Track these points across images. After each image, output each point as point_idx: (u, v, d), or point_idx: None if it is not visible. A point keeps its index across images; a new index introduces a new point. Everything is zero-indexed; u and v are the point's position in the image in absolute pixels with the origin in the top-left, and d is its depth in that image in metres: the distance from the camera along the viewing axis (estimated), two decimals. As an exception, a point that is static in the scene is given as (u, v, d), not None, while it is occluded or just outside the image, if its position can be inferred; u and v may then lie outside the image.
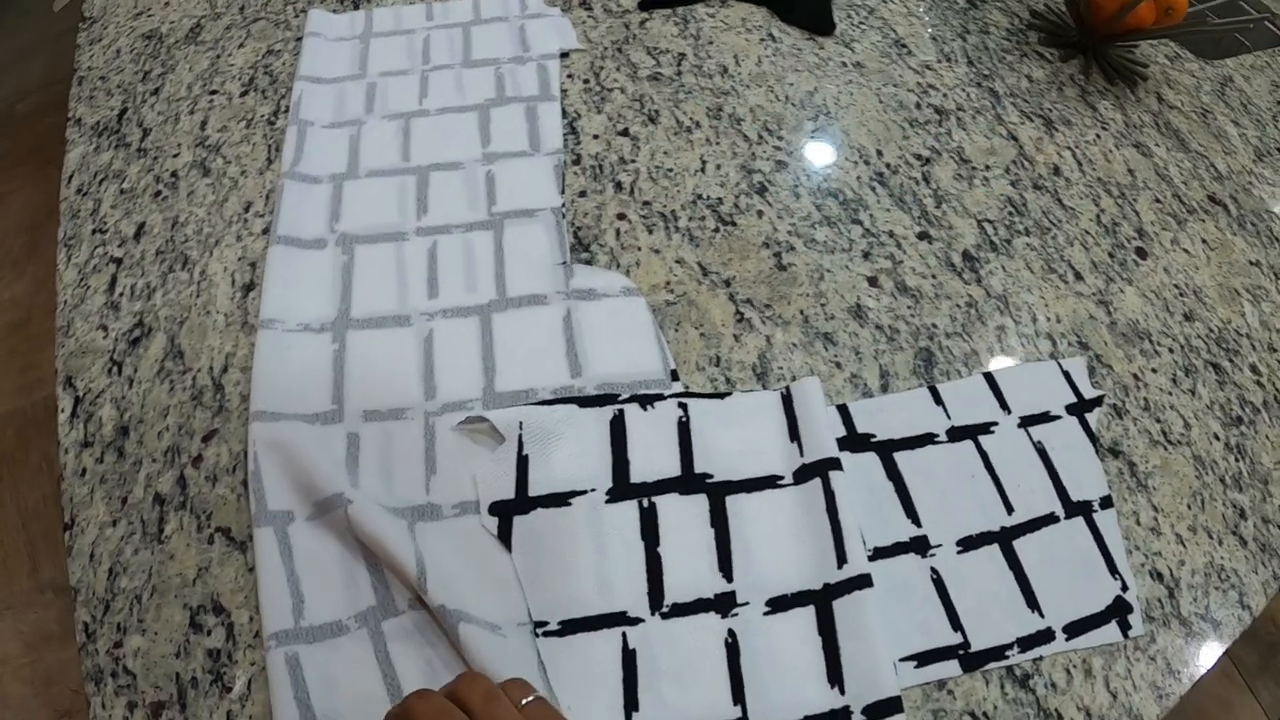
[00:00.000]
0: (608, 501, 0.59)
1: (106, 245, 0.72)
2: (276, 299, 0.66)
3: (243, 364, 0.65)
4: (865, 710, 0.52)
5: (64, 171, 0.78)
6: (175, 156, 0.78)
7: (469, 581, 0.55)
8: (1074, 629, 0.56)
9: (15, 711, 1.27)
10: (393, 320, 0.66)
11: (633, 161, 0.78)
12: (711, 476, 0.60)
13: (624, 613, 0.55)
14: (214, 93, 0.83)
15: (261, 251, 0.70)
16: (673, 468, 0.60)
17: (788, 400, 0.64)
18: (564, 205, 0.74)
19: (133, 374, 0.65)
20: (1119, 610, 0.57)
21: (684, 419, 0.62)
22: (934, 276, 0.72)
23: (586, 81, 0.84)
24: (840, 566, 0.56)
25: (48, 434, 1.52)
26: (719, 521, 0.58)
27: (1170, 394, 0.68)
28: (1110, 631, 0.57)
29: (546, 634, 0.54)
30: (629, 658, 0.53)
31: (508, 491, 0.59)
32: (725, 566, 0.57)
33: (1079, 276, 0.73)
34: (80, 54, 0.90)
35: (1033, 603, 0.57)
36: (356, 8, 0.92)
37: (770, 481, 0.60)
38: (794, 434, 0.62)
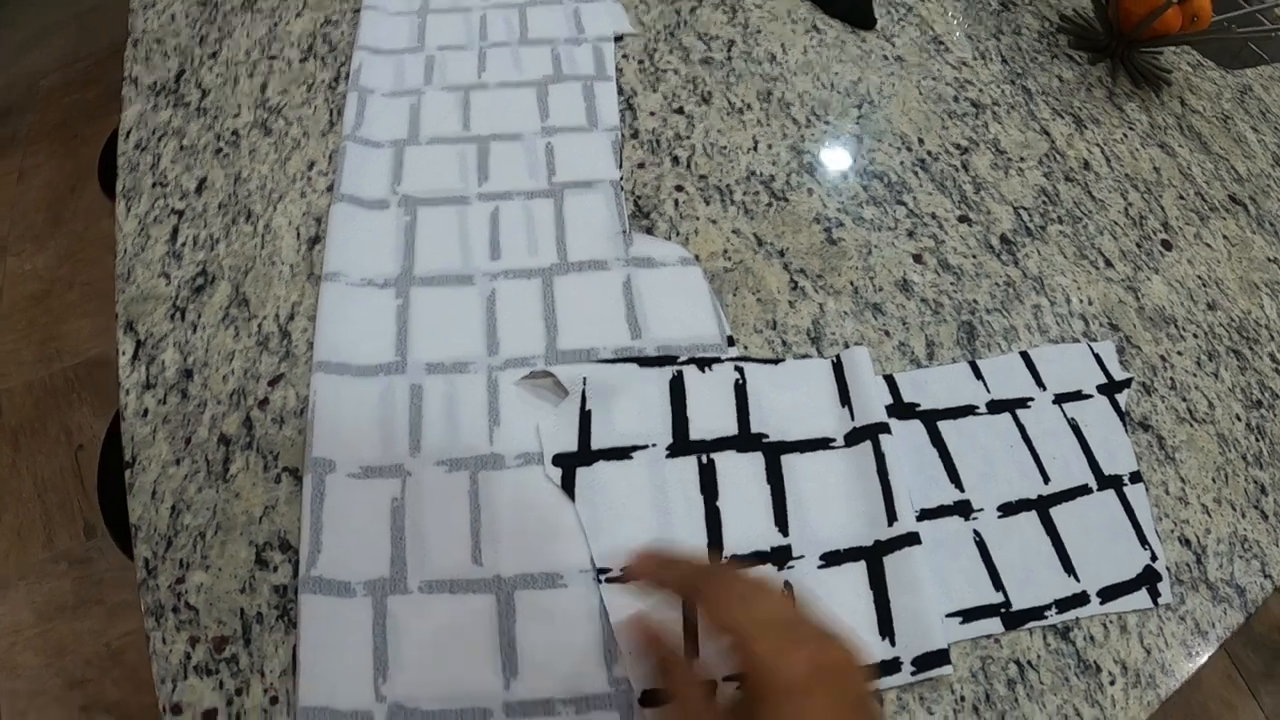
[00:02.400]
0: (668, 456, 0.61)
1: (167, 198, 0.74)
2: (340, 254, 0.68)
3: (308, 312, 0.66)
4: (914, 661, 0.54)
5: (122, 127, 0.79)
6: (235, 116, 0.80)
7: (529, 530, 0.57)
8: (1107, 594, 0.59)
9: (27, 681, 1.27)
10: (455, 279, 0.68)
11: (688, 138, 0.81)
12: (767, 436, 0.62)
13: None
14: (273, 58, 0.85)
15: (326, 208, 0.72)
16: (730, 427, 0.62)
17: (838, 367, 0.66)
18: (622, 179, 0.76)
19: (196, 320, 0.66)
20: (1149, 578, 0.60)
21: (740, 381, 0.64)
22: (974, 256, 0.75)
23: (641, 62, 0.87)
24: (890, 524, 0.58)
25: (67, 405, 1.52)
26: (774, 479, 0.60)
27: (1195, 375, 0.71)
28: (1141, 598, 0.59)
29: (610, 580, 0.56)
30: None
31: (571, 444, 0.61)
32: (781, 521, 0.59)
33: (1109, 263, 0.76)
34: (134, 18, 0.91)
35: (1069, 567, 0.59)
36: (414, -18, 0.94)
37: (823, 443, 0.62)
38: (845, 399, 0.64)
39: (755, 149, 0.80)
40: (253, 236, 0.71)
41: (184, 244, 0.71)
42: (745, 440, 0.62)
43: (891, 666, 0.54)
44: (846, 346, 0.68)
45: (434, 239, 0.70)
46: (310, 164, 0.76)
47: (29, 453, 1.48)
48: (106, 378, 1.55)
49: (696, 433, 0.62)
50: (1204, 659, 0.58)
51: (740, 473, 0.60)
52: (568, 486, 0.59)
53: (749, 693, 0.40)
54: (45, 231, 1.74)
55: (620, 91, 0.84)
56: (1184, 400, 0.69)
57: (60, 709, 1.26)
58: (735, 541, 0.58)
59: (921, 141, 0.83)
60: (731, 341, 0.66)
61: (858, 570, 0.57)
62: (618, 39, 0.88)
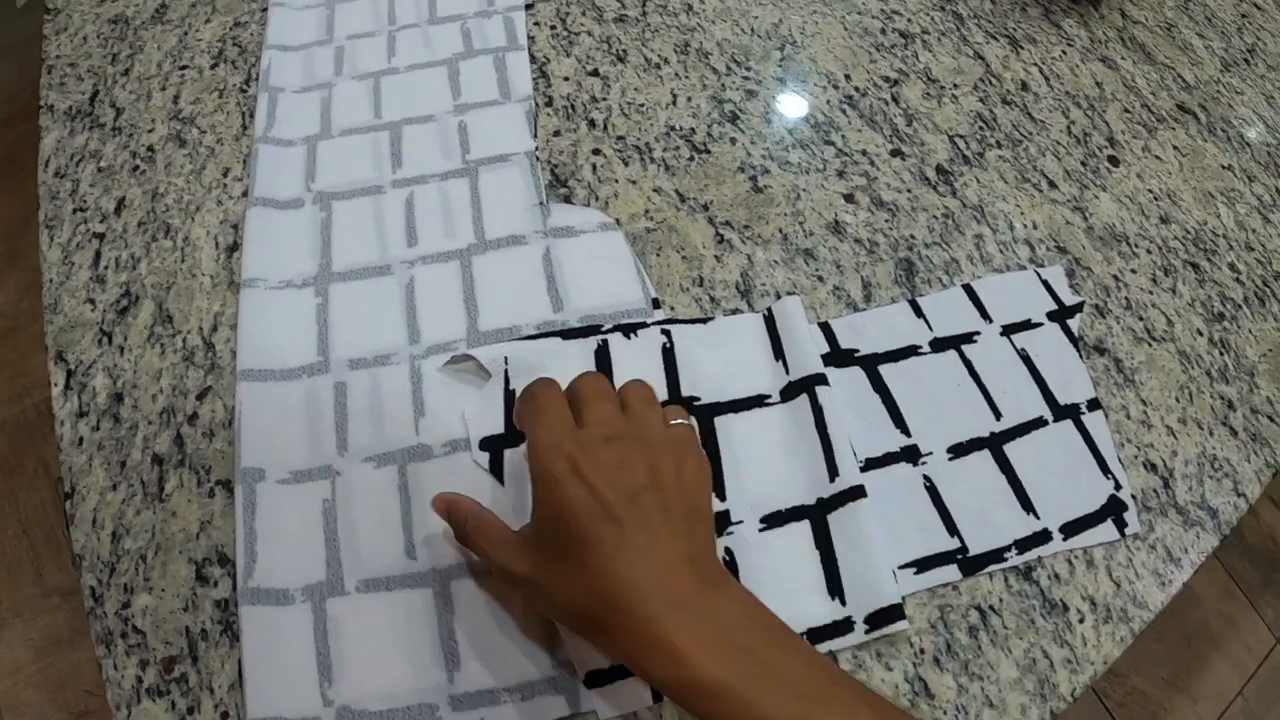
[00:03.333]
0: None
1: (88, 222, 0.73)
2: (257, 258, 0.67)
3: (231, 321, 0.65)
4: (867, 619, 0.52)
5: (40, 156, 0.78)
6: (150, 131, 0.78)
7: None
8: (1070, 529, 0.57)
9: (31, 718, 1.28)
10: (374, 270, 0.66)
11: (604, 99, 0.79)
12: (699, 399, 0.61)
13: None
14: (184, 68, 0.83)
15: (243, 214, 0.71)
16: (660, 393, 0.61)
17: (770, 321, 0.64)
18: (537, 148, 0.75)
19: (123, 342, 0.65)
20: (1114, 509, 0.58)
21: (668, 345, 0.63)
22: (909, 191, 0.73)
23: (553, 28, 0.85)
24: (833, 480, 0.56)
25: (41, 439, 1.53)
26: (708, 443, 0.59)
27: (1151, 293, 0.69)
28: (1107, 530, 0.57)
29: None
30: None
31: (497, 426, 0.59)
32: (718, 486, 0.57)
33: (1053, 185, 0.74)
34: (47, 44, 0.90)
35: (1027, 505, 0.58)
36: (320, -25, 0.92)
37: (758, 401, 0.61)
38: (778, 353, 0.62)
39: (674, 103, 0.78)
40: (172, 251, 0.70)
41: (107, 267, 0.70)
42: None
43: (844, 627, 0.52)
44: (778, 297, 0.66)
45: (350, 232, 0.69)
46: (225, 171, 0.74)
47: (9, 490, 1.48)
48: (79, 409, 1.55)
49: None
50: (1178, 586, 0.56)
51: None
52: (496, 470, 0.58)
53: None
54: (3, 267, 1.73)
55: (533, 60, 0.82)
56: (1141, 319, 0.67)
57: (67, 743, 1.26)
58: None
59: (848, 78, 0.81)
60: (657, 304, 0.65)
61: (801, 530, 0.56)
62: (528, 6, 0.86)
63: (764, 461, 0.58)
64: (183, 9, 0.90)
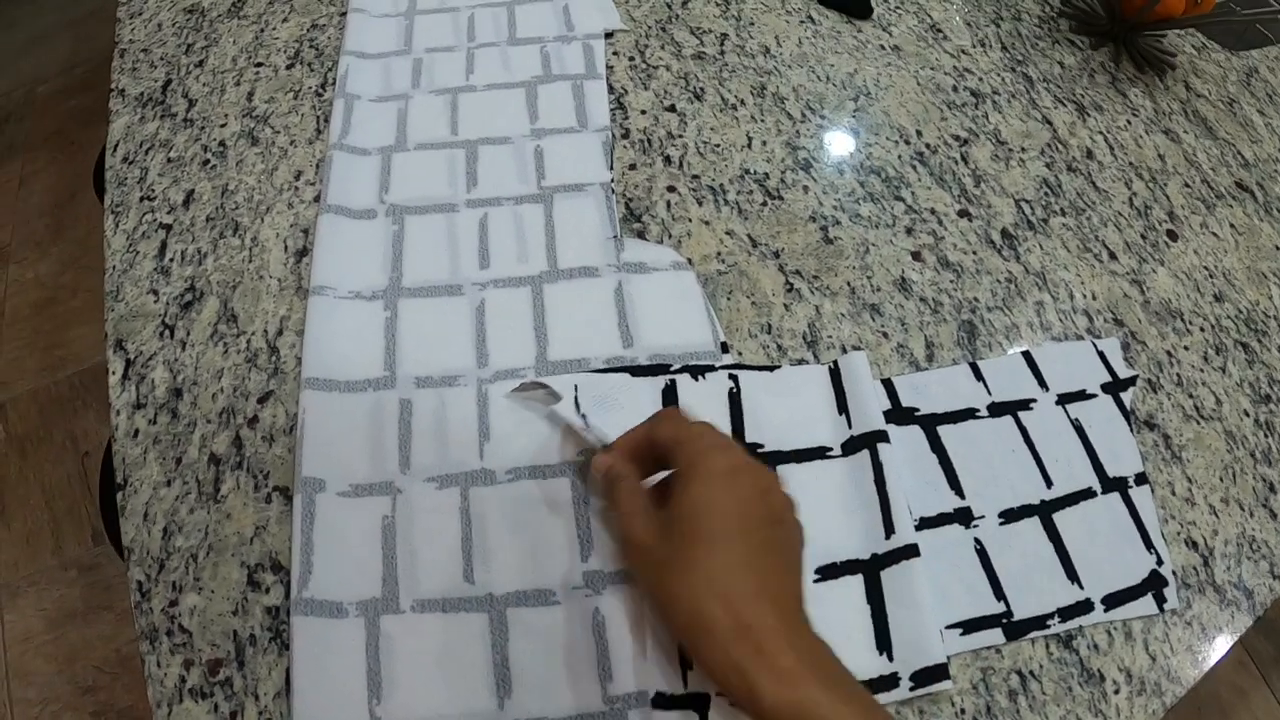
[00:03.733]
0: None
1: (155, 212, 0.73)
2: (328, 266, 0.67)
3: (297, 327, 0.65)
4: (913, 676, 0.53)
5: (109, 140, 0.79)
6: (223, 126, 0.79)
7: (521, 547, 0.56)
8: (1112, 600, 0.58)
9: (39, 688, 1.28)
10: (445, 289, 0.67)
11: (680, 136, 0.79)
12: (762, 446, 0.61)
13: None
14: (259, 65, 0.84)
15: (313, 219, 0.71)
16: None
17: (835, 374, 0.64)
18: (613, 180, 0.75)
19: (185, 337, 0.66)
20: (1155, 584, 0.59)
21: (734, 390, 0.63)
22: (974, 253, 0.73)
23: (632, 59, 0.85)
24: (888, 537, 0.57)
25: (72, 413, 1.53)
26: None
27: (1202, 371, 0.69)
28: (1146, 604, 0.58)
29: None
30: None
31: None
32: None
33: (1113, 256, 0.74)
34: (121, 28, 0.90)
35: (1072, 574, 0.58)
36: (400, -16, 0.92)
37: (819, 453, 0.61)
38: (842, 407, 0.63)
39: (749, 146, 0.79)
40: (240, 250, 0.70)
41: (172, 259, 0.70)
42: None
43: (890, 682, 0.53)
44: (844, 350, 0.67)
45: (422, 248, 0.69)
46: (297, 174, 0.75)
47: (36, 460, 1.49)
48: (111, 384, 1.55)
49: None
50: (1210, 664, 0.57)
51: None
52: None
53: (674, 477, 0.50)
54: (47, 239, 1.74)
55: (610, 90, 0.82)
56: (1191, 397, 0.68)
57: (72, 715, 1.26)
58: None
59: (920, 134, 0.81)
60: (726, 348, 0.65)
61: (854, 584, 0.56)
62: (608, 36, 0.86)
63: (821, 513, 0.59)
64: (260, 5, 0.90)
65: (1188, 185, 0.81)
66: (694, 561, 0.46)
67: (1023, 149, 0.81)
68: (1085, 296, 0.72)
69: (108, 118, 0.81)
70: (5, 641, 1.31)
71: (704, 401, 0.62)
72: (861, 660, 0.54)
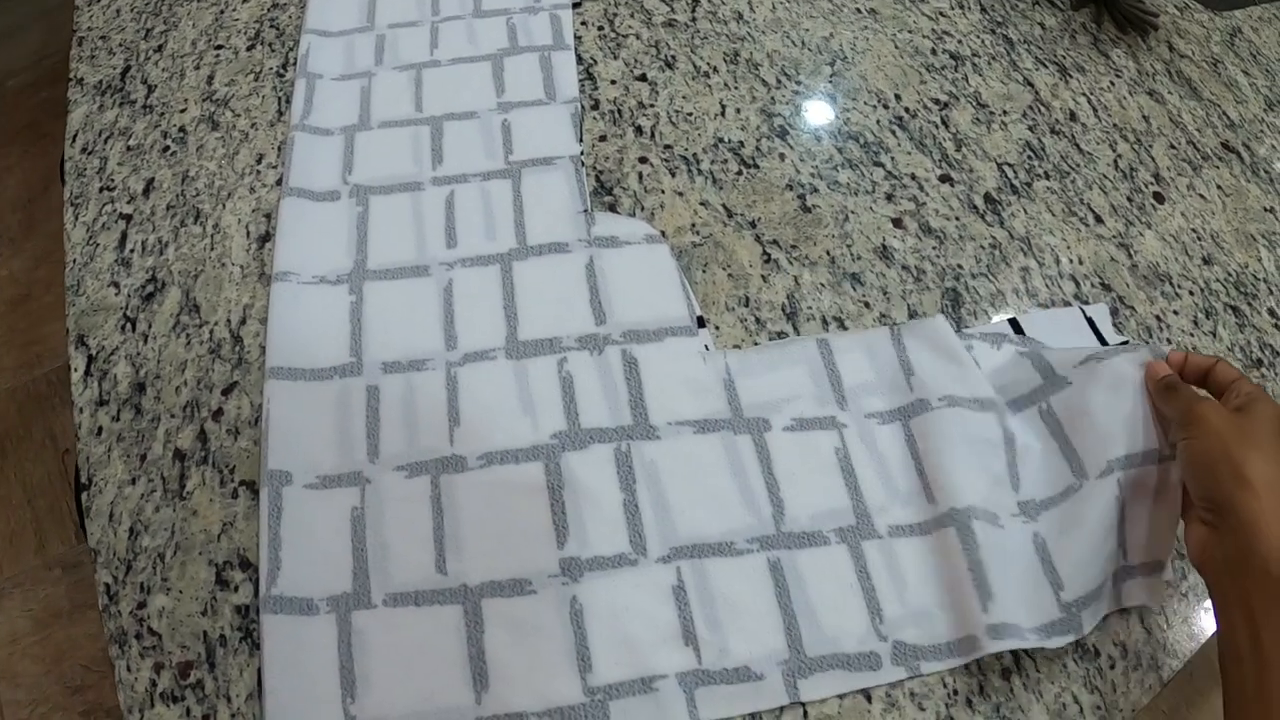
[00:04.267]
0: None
1: (115, 202, 0.71)
2: (290, 251, 0.66)
3: (260, 315, 0.64)
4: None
5: (68, 131, 0.77)
6: (182, 112, 0.77)
7: (495, 535, 0.55)
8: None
9: (27, 689, 1.27)
10: (411, 270, 0.65)
11: (652, 106, 0.77)
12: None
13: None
14: (219, 48, 0.82)
15: (276, 203, 0.69)
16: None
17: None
18: (583, 153, 0.73)
19: (147, 330, 0.64)
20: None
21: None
22: (957, 219, 0.71)
23: (601, 28, 0.83)
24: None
25: (50, 410, 1.51)
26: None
27: (1192, 335, 0.68)
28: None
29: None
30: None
31: None
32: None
33: (1099, 220, 0.73)
34: (79, 15, 0.88)
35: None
36: (362, -40, 0.90)
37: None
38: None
39: (723, 114, 0.77)
40: (202, 238, 0.68)
41: (133, 250, 0.68)
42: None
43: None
44: (824, 322, 0.65)
45: (387, 229, 0.67)
46: (259, 157, 0.73)
47: (16, 459, 1.47)
48: (89, 381, 1.54)
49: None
50: (1207, 636, 0.56)
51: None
52: None
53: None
54: (20, 234, 1.72)
55: (579, 60, 0.80)
56: (1183, 362, 0.66)
57: (62, 715, 1.26)
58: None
59: (898, 98, 0.79)
60: (702, 322, 0.63)
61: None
62: (576, 5, 0.84)
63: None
64: (220, -14, 0.88)
65: (1173, 147, 0.79)
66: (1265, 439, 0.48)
67: (1004, 112, 0.79)
68: (1072, 261, 0.70)
69: (67, 108, 0.79)
70: (-7, 645, 1.30)
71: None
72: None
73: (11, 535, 1.39)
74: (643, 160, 0.73)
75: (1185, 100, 0.84)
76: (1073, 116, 0.80)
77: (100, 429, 0.60)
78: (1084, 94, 0.82)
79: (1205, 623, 0.56)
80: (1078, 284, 0.69)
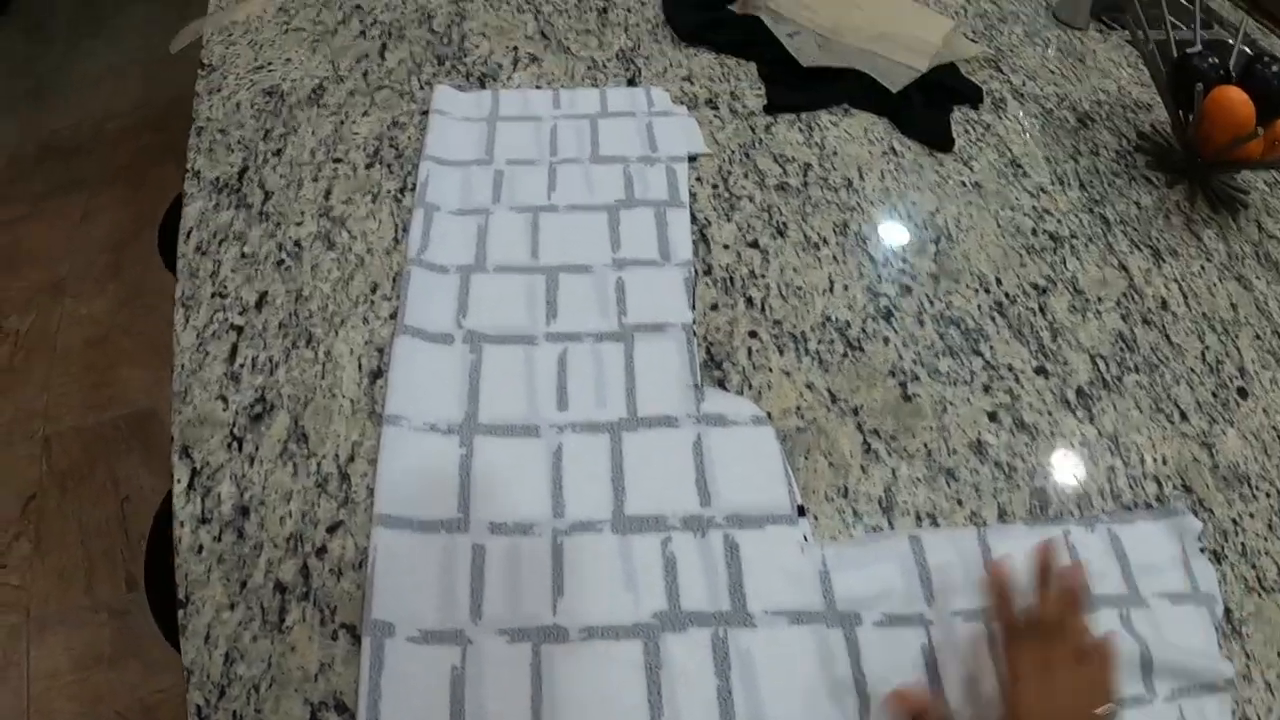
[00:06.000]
0: None
1: (227, 311, 0.73)
2: (403, 393, 0.67)
3: (369, 454, 0.65)
4: None
5: (183, 225, 0.78)
6: (299, 225, 0.79)
7: (590, 708, 0.56)
8: None
9: (62, 728, 1.28)
10: (521, 429, 0.66)
11: (763, 276, 0.79)
12: None
13: None
14: (338, 161, 0.84)
15: (388, 337, 0.71)
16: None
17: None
18: (694, 321, 0.75)
19: (254, 452, 0.65)
20: None
21: None
22: (1050, 413, 0.73)
23: (715, 187, 0.85)
24: None
25: (115, 455, 1.53)
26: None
27: (1265, 539, 0.68)
28: None
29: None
30: None
31: None
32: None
33: (1184, 417, 0.74)
34: (199, 103, 0.90)
35: None
36: (483, 86, 0.92)
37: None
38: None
39: (831, 290, 0.79)
40: (314, 364, 0.70)
41: (243, 365, 0.70)
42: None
43: None
44: (918, 518, 0.66)
45: (499, 382, 0.69)
46: (373, 286, 0.74)
47: (75, 497, 1.49)
48: (157, 431, 1.56)
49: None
50: None
51: None
52: None
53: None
54: (106, 275, 1.75)
55: (694, 219, 0.82)
56: (1254, 568, 0.67)
57: (94, 761, 1.26)
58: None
59: (999, 281, 0.81)
60: (802, 511, 0.65)
61: None
62: (691, 159, 0.86)
63: None
64: (340, 95, 0.90)
65: (1258, 337, 0.80)
66: None
67: (1099, 299, 0.81)
68: (1155, 461, 0.71)
69: (180, 171, 0.81)
70: (30, 676, 1.31)
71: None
72: None
73: (62, 570, 1.40)
74: (752, 334, 0.75)
75: (1272, 286, 0.85)
76: (1164, 304, 0.81)
77: (201, 547, 0.61)
78: (1175, 280, 0.83)
79: None
80: (1160, 484, 0.70)
